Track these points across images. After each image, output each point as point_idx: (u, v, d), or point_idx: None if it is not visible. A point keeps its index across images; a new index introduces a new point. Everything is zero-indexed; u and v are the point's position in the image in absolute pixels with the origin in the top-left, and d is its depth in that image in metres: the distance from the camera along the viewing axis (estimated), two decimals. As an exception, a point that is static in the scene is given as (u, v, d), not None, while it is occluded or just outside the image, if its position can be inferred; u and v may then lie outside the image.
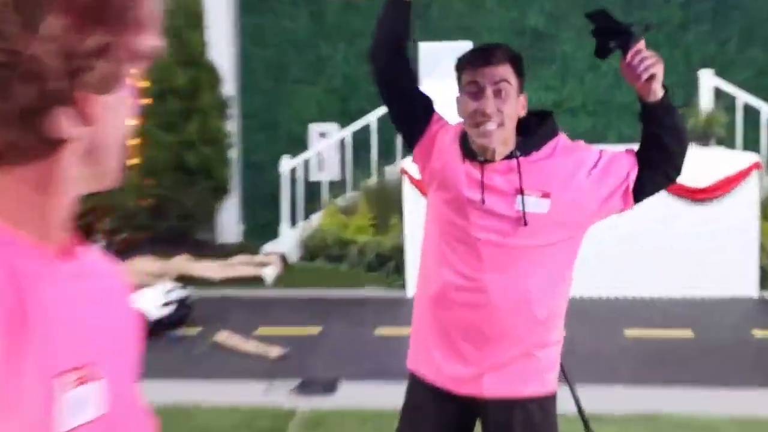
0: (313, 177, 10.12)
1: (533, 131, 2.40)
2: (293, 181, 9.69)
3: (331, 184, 9.93)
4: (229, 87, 10.45)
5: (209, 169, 10.16)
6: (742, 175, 7.47)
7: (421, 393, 2.52)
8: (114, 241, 10.27)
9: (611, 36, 2.24)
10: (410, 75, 2.50)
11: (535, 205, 2.31)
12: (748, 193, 7.51)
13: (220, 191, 10.46)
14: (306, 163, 9.94)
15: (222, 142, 10.28)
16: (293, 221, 9.68)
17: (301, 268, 9.02)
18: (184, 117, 10.05)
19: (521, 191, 2.31)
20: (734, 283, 7.56)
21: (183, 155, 10.03)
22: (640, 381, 5.40)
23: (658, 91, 2.21)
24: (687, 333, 6.49)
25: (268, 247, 9.54)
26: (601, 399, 4.94)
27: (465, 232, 2.37)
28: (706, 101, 9.00)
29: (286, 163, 9.59)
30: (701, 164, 7.53)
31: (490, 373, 2.40)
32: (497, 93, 2.29)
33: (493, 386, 2.40)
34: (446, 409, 2.48)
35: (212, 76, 10.23)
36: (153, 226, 10.19)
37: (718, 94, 9.10)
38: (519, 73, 2.36)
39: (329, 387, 5.32)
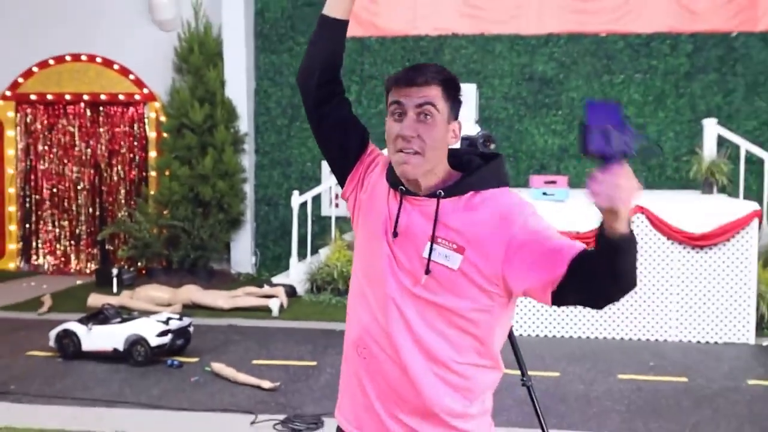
0: (324, 212, 10.01)
1: (474, 170, 2.05)
2: (304, 215, 9.53)
3: (340, 219, 9.79)
4: (244, 123, 10.41)
5: (223, 202, 10.09)
6: (742, 223, 7.26)
7: None
8: (131, 268, 10.17)
9: (601, 137, 1.72)
10: (343, 102, 2.19)
11: (443, 257, 1.97)
12: (748, 241, 7.31)
13: (233, 223, 10.40)
14: (317, 198, 9.80)
15: (236, 177, 10.23)
16: (302, 255, 9.51)
17: (308, 301, 8.87)
18: (200, 151, 10.00)
19: (433, 239, 1.98)
20: (731, 330, 7.37)
21: (198, 188, 9.97)
22: (631, 429, 5.13)
23: (617, 229, 1.72)
24: (681, 379, 6.21)
25: (278, 279, 9.40)
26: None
27: (380, 273, 2.05)
28: (709, 149, 8.78)
29: (296, 199, 9.45)
30: (702, 211, 7.34)
31: (404, 430, 2.08)
32: (420, 116, 1.97)
33: None
34: None
35: (228, 112, 10.20)
36: (167, 255, 10.08)
37: (722, 142, 8.86)
38: (451, 97, 2.02)
39: (315, 423, 5.07)
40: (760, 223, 7.62)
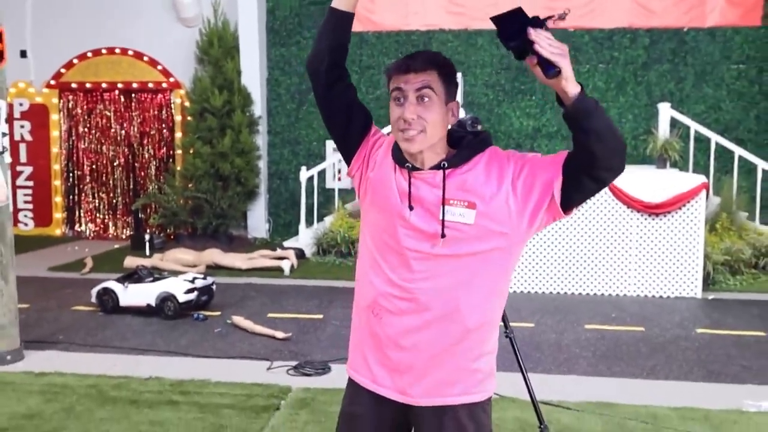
0: (329, 185, 9.94)
1: (468, 141, 2.00)
2: (311, 188, 9.47)
3: (343, 191, 9.71)
4: (258, 108, 10.30)
5: (240, 176, 10.02)
6: (692, 194, 7.21)
7: (358, 398, 2.13)
8: (161, 234, 10.11)
9: (517, 34, 1.70)
10: (349, 86, 2.08)
11: (459, 215, 1.92)
12: (696, 209, 7.27)
13: (249, 195, 10.34)
14: (322, 173, 9.72)
15: (252, 154, 10.13)
16: (310, 222, 9.43)
17: (315, 262, 8.81)
18: (219, 132, 9.90)
19: (444, 201, 1.94)
20: (681, 286, 7.34)
21: (218, 164, 9.88)
22: (596, 372, 5.10)
23: (569, 89, 1.70)
24: (639, 328, 6.19)
25: (288, 243, 9.34)
26: (560, 387, 4.67)
27: (395, 242, 1.99)
28: (663, 130, 8.70)
29: (304, 173, 9.37)
30: (657, 183, 7.30)
31: (421, 381, 2.02)
32: (420, 99, 1.91)
33: (425, 394, 2.03)
34: (382, 414, 2.10)
35: (244, 98, 10.09)
36: (192, 222, 10.01)
37: (675, 124, 8.78)
38: (446, 80, 1.95)
39: (323, 368, 5.03)
40: (707, 193, 7.58)
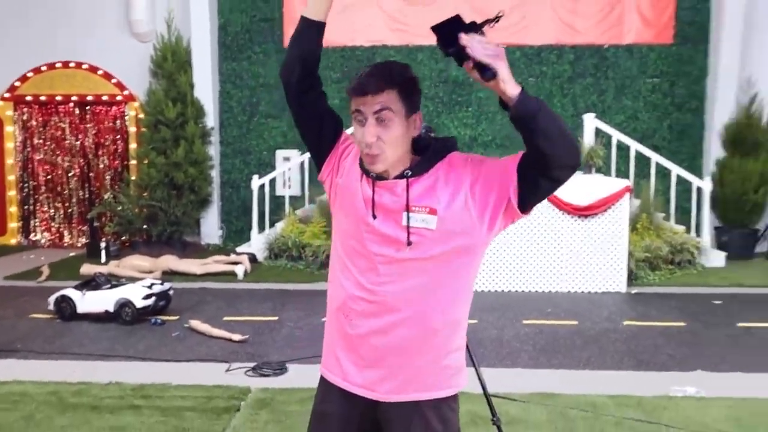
0: (279, 192, 9.76)
1: (431, 150, 1.92)
2: (262, 195, 9.29)
3: (293, 198, 9.56)
4: (210, 119, 10.07)
5: (194, 185, 9.78)
6: (617, 197, 7.34)
7: (329, 396, 2.07)
8: (116, 242, 9.77)
9: (454, 41, 1.62)
10: (321, 95, 1.99)
11: (422, 221, 1.85)
12: (621, 210, 7.40)
13: (203, 203, 10.10)
14: (273, 181, 9.55)
15: (204, 164, 9.91)
16: (261, 228, 9.25)
17: (267, 266, 8.65)
18: (173, 143, 9.64)
19: (408, 209, 1.86)
20: (608, 282, 7.45)
21: (172, 174, 9.62)
22: (537, 365, 5.10)
23: (508, 90, 1.61)
24: (572, 322, 6.24)
25: (241, 248, 9.15)
26: (505, 380, 4.65)
27: (362, 247, 1.93)
28: (588, 138, 8.83)
29: (256, 182, 9.20)
30: (585, 188, 7.39)
31: (390, 379, 1.96)
32: (379, 120, 1.81)
33: (393, 391, 1.97)
34: (351, 411, 2.03)
35: (197, 110, 9.85)
36: (147, 230, 9.71)
37: (598, 133, 8.92)
38: (406, 95, 1.84)
39: (280, 368, 4.90)
40: (630, 196, 7.72)
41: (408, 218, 1.86)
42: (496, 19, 1.70)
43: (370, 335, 1.95)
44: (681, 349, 5.44)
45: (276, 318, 6.35)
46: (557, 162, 1.71)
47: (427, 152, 1.92)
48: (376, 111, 1.81)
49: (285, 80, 1.98)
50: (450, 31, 1.63)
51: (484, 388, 3.35)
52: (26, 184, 10.64)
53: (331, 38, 10.35)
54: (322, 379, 2.11)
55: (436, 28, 1.66)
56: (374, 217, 1.90)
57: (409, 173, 1.88)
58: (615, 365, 5.08)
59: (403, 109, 1.84)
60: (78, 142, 10.49)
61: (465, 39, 1.59)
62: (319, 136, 2.02)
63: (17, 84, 10.37)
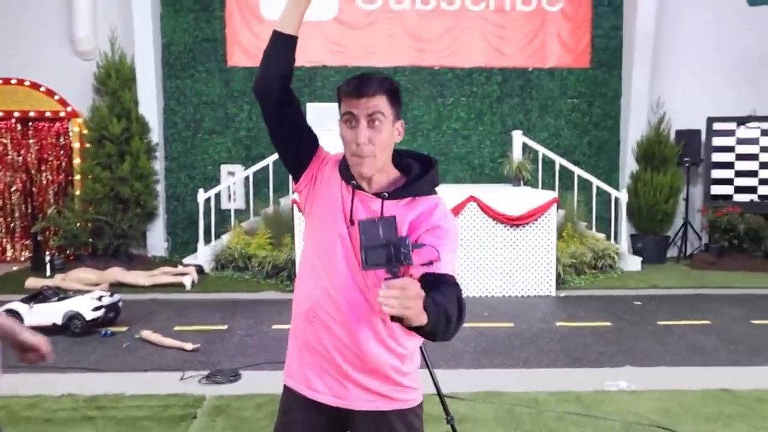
0: (224, 206, 9.53)
1: (415, 178, 1.88)
2: (207, 209, 9.04)
3: (238, 211, 9.35)
4: (155, 135, 9.73)
5: (140, 199, 9.43)
6: (545, 208, 7.46)
7: (294, 405, 1.98)
8: (61, 255, 9.31)
9: (382, 253, 1.49)
10: (297, 109, 1.91)
11: None
12: (549, 220, 7.52)
13: (148, 216, 9.75)
14: (218, 195, 9.31)
15: (150, 178, 9.56)
16: (208, 240, 8.99)
17: (214, 277, 8.39)
18: (119, 158, 9.28)
19: None
20: (539, 286, 7.54)
21: (118, 188, 9.26)
22: (480, 365, 5.09)
23: (419, 323, 1.51)
24: (509, 324, 6.27)
25: (188, 260, 8.86)
26: (451, 380, 4.60)
27: (333, 255, 1.86)
28: (516, 153, 8.98)
29: (202, 195, 8.94)
30: (515, 199, 7.49)
31: (355, 386, 1.90)
32: (371, 123, 1.79)
33: (358, 399, 1.91)
34: (317, 420, 1.95)
35: (142, 126, 9.52)
36: (93, 243, 9.29)
37: (525, 148, 9.08)
38: (394, 102, 1.84)
39: (233, 375, 4.73)
40: (556, 207, 7.87)
41: None
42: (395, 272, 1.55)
43: (332, 342, 1.89)
44: (610, 347, 5.54)
45: (226, 327, 6.15)
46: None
47: (410, 175, 1.89)
48: (369, 114, 1.79)
49: (262, 96, 1.88)
50: (385, 237, 1.48)
51: (438, 389, 3.31)
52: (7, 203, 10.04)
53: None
54: (286, 389, 2.01)
55: (366, 227, 1.50)
56: (352, 223, 1.84)
57: (386, 195, 1.84)
58: (552, 363, 5.13)
59: (392, 115, 1.84)
60: (20, 158, 9.97)
61: (382, 296, 1.44)
62: (298, 148, 1.94)
63: (-43, 99, 9.79)
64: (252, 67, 9.82)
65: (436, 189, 1.94)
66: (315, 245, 1.93)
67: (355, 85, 1.81)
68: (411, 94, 9.95)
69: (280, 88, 1.86)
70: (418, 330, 1.55)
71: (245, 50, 9.90)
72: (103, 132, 9.23)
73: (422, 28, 10.05)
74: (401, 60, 9.98)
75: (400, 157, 1.95)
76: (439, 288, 1.64)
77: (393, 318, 1.49)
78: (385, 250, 1.48)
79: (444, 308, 1.58)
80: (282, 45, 1.86)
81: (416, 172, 1.90)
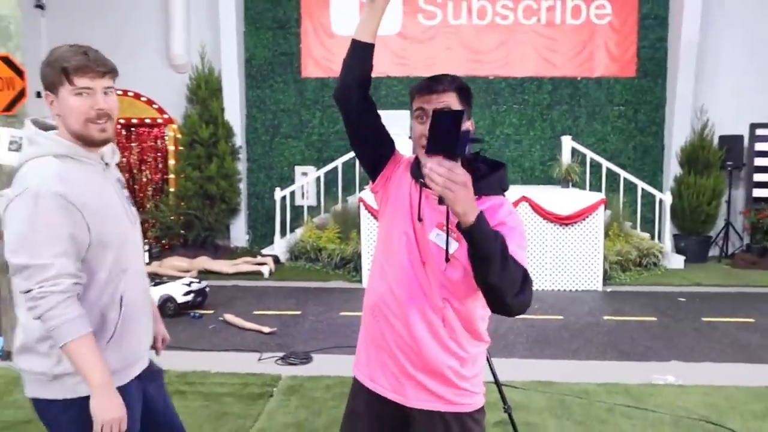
0: (298, 203, 9.55)
1: (481, 177, 1.70)
2: (283, 205, 9.09)
3: (310, 208, 9.36)
4: (239, 139, 9.84)
5: (225, 196, 9.54)
6: (593, 208, 7.17)
7: (359, 396, 1.86)
8: (158, 244, 9.54)
9: (447, 137, 1.38)
10: (376, 116, 1.80)
11: (444, 241, 1.66)
12: (596, 219, 7.22)
13: (232, 211, 9.86)
14: (292, 193, 9.35)
15: (233, 178, 9.66)
16: (283, 233, 9.03)
17: (289, 267, 8.42)
18: (207, 160, 9.41)
19: (444, 225, 1.66)
20: (587, 281, 7.26)
21: (206, 186, 9.39)
22: (532, 355, 4.91)
23: (461, 219, 1.40)
24: (559, 317, 6.04)
25: (266, 251, 8.93)
26: (505, 369, 4.44)
27: (399, 254, 1.73)
28: (566, 157, 8.68)
29: (279, 193, 8.99)
30: (564, 200, 7.22)
31: (413, 384, 1.76)
32: None
33: (416, 398, 1.76)
34: (381, 413, 1.82)
35: (227, 131, 9.62)
36: (185, 235, 9.48)
37: (574, 152, 8.76)
38: (464, 101, 1.69)
39: (305, 358, 4.69)
40: (604, 208, 7.56)
41: (436, 234, 1.68)
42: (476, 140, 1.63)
43: (395, 339, 1.76)
44: (656, 341, 5.26)
45: (299, 312, 6.15)
46: (493, 308, 1.56)
47: (479, 173, 1.71)
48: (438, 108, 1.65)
49: (342, 102, 1.78)
50: (447, 125, 1.38)
51: (495, 378, 3.17)
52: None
53: (340, 70, 10.22)
54: (354, 379, 1.90)
55: (437, 116, 1.40)
56: (420, 219, 1.71)
57: None
58: (600, 355, 4.90)
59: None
60: (124, 159, 10.28)
61: (428, 167, 1.35)
62: (375, 152, 1.84)
63: (71, 108, 10.17)
64: (323, 78, 9.82)
65: (504, 191, 1.78)
66: (383, 243, 1.82)
67: (427, 82, 1.70)
68: (467, 102, 9.73)
69: (358, 94, 1.76)
70: (470, 243, 1.40)
71: (317, 63, 9.91)
72: (194, 136, 9.39)
73: (478, 41, 9.83)
74: (458, 71, 9.76)
75: (470, 159, 1.79)
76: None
77: (440, 201, 1.39)
78: (448, 139, 1.37)
79: (504, 247, 1.44)
80: (359, 52, 1.76)
81: (483, 172, 1.74)
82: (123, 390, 1.78)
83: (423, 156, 1.65)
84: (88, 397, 1.70)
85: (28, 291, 1.64)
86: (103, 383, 1.67)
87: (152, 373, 2.03)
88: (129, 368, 1.86)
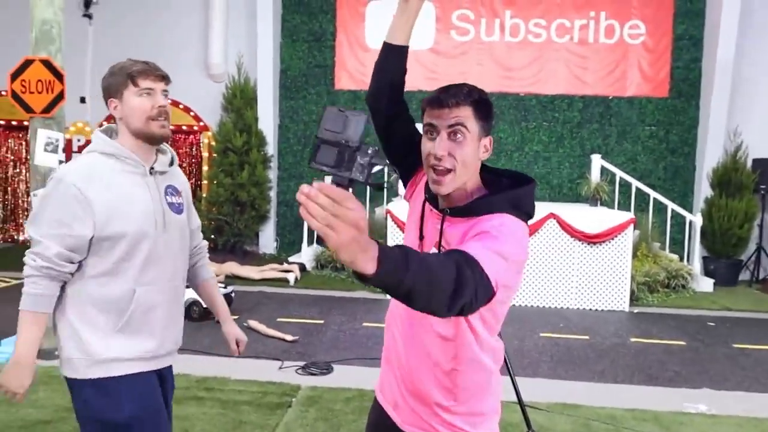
0: (326, 212, 9.44)
1: (488, 195, 1.47)
2: (311, 214, 8.99)
3: (337, 217, 9.22)
4: (271, 148, 9.80)
5: (255, 203, 9.49)
6: (622, 227, 6.90)
7: (373, 412, 1.73)
8: (187, 248, 9.53)
9: (334, 152, 1.01)
10: (408, 120, 1.64)
11: None
12: (625, 239, 6.94)
13: (261, 218, 9.80)
14: (321, 202, 9.25)
15: (264, 185, 9.61)
16: (311, 241, 8.93)
17: (314, 275, 8.30)
18: (239, 167, 9.38)
19: (437, 246, 1.47)
20: (613, 301, 6.97)
21: (237, 193, 9.35)
22: (556, 375, 4.67)
23: (351, 267, 1.00)
24: (584, 337, 5.79)
25: (293, 258, 8.83)
26: (528, 389, 4.23)
27: None
28: (595, 175, 8.41)
29: (307, 202, 8.90)
30: (592, 218, 6.97)
31: (405, 405, 1.58)
32: (451, 135, 1.43)
33: (407, 421, 1.59)
34: (385, 423, 1.65)
35: (260, 140, 9.59)
36: (214, 239, 9.45)
37: (603, 171, 8.49)
38: (482, 116, 1.45)
39: (326, 369, 4.54)
40: (633, 227, 7.29)
41: None
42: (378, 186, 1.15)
43: (397, 354, 1.61)
44: (686, 367, 4.98)
45: (322, 321, 6.01)
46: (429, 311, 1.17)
47: (490, 191, 1.48)
48: (450, 125, 1.43)
49: (373, 107, 1.64)
50: (346, 136, 1.00)
51: (519, 398, 2.97)
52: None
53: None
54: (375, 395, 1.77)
55: (329, 115, 1.03)
56: (421, 238, 1.54)
57: (447, 210, 1.47)
58: (627, 379, 4.64)
59: (477, 129, 1.45)
60: (160, 164, 10.33)
61: (305, 191, 0.94)
62: (405, 161, 1.67)
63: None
64: (356, 90, 9.74)
65: (521, 212, 1.44)
66: None
67: (438, 94, 1.46)
68: (497, 117, 9.56)
69: (390, 98, 1.61)
70: (363, 278, 1.01)
71: (351, 75, 9.83)
72: (228, 144, 9.38)
73: (509, 57, 9.65)
74: (489, 86, 9.59)
75: (495, 176, 1.56)
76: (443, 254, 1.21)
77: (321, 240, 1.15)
78: (338, 150, 1.00)
79: (423, 264, 1.08)
80: (391, 54, 1.62)
81: (502, 187, 1.50)
82: (135, 379, 1.84)
83: (432, 182, 1.48)
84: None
85: (25, 257, 1.83)
86: (20, 357, 1.78)
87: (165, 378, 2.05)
88: (142, 362, 1.88)
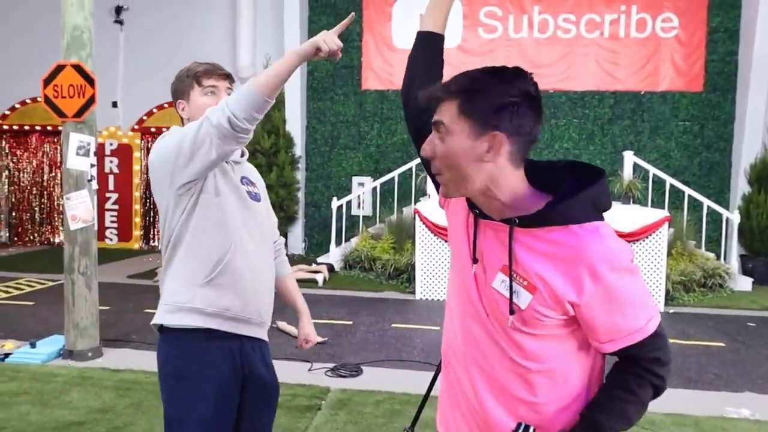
0: (354, 212, 9.43)
1: (560, 198, 1.19)
2: (340, 215, 8.97)
3: (366, 217, 9.20)
4: (298, 149, 9.82)
5: (283, 204, 9.51)
6: (657, 225, 6.70)
7: None
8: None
9: None
10: None
11: (514, 290, 1.20)
12: (660, 237, 6.74)
13: (290, 219, 9.82)
14: (349, 202, 9.23)
15: (292, 187, 9.63)
16: (339, 242, 8.90)
17: (343, 275, 8.26)
18: (267, 168, 9.41)
19: (508, 270, 1.20)
20: (649, 301, 6.73)
21: (266, 194, 9.37)
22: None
23: None
24: (619, 338, 5.59)
25: (321, 259, 8.81)
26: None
27: (459, 294, 1.33)
28: (627, 173, 8.19)
29: (335, 203, 8.88)
30: (625, 216, 6.78)
31: None
32: (436, 135, 1.22)
33: None
34: None
35: (287, 141, 9.61)
36: (244, 241, 9.49)
37: (636, 168, 8.27)
38: (471, 109, 1.17)
39: (355, 370, 4.49)
40: (669, 226, 7.07)
41: (501, 282, 1.22)
42: None
43: (462, 391, 1.34)
44: (726, 369, 4.79)
45: (351, 322, 5.96)
46: None
47: (557, 194, 1.21)
48: (434, 122, 1.22)
49: (405, 100, 1.48)
50: None
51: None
52: (148, 200, 10.62)
53: (401, 82, 10.08)
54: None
55: None
56: (475, 261, 1.28)
57: (516, 220, 1.19)
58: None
59: (467, 125, 1.18)
60: (190, 166, 10.43)
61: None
62: None
63: (144, 118, 10.40)
64: (383, 90, 9.69)
65: (598, 211, 1.23)
66: (452, 284, 1.40)
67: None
68: (525, 115, 9.39)
69: (420, 88, 1.41)
70: None
71: (378, 76, 9.78)
72: (256, 146, 9.41)
73: (538, 54, 9.48)
74: (517, 84, 9.44)
75: (549, 170, 1.28)
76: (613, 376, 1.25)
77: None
78: None
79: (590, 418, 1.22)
80: (425, 43, 1.47)
81: (567, 189, 1.21)
82: (206, 346, 1.87)
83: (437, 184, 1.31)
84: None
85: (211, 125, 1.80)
86: (296, 50, 1.80)
87: (264, 355, 2.13)
88: (221, 320, 1.89)
